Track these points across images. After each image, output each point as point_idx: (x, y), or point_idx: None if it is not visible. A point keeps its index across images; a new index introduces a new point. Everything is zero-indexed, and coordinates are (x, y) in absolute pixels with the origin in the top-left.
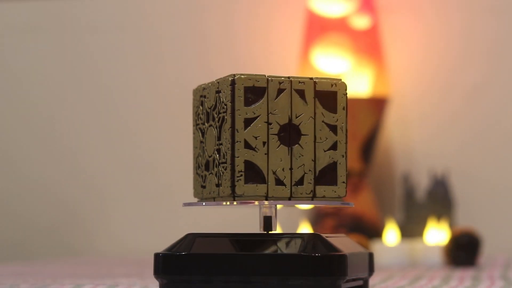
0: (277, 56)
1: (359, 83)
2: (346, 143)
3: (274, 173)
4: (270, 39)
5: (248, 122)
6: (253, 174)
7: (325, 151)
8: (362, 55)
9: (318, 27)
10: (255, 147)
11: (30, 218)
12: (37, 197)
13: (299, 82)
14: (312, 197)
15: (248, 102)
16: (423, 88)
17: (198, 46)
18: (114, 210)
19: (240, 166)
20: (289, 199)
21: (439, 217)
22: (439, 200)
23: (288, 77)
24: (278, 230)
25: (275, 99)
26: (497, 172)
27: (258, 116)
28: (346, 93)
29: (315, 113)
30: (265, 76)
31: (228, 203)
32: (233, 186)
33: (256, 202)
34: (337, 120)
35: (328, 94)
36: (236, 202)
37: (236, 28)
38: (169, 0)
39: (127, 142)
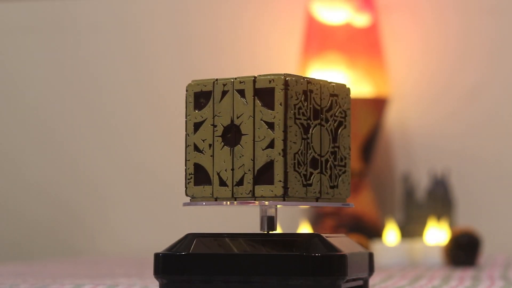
0: (278, 59)
1: (359, 83)
2: (284, 139)
3: (218, 174)
4: (270, 42)
5: (197, 126)
6: (202, 176)
7: (263, 149)
8: (362, 55)
9: (318, 32)
10: (203, 150)
11: (30, 218)
12: (38, 197)
13: (240, 82)
14: (252, 197)
15: (200, 107)
16: (423, 88)
17: (197, 47)
18: (114, 210)
19: (190, 169)
20: (235, 199)
21: (439, 217)
22: (439, 200)
23: (235, 78)
24: (278, 230)
25: (220, 101)
26: (497, 172)
27: (205, 120)
28: (286, 88)
29: (254, 112)
30: (213, 80)
31: (228, 203)
32: (185, 188)
33: (257, 202)
34: (274, 117)
35: (267, 91)
36: (236, 202)
37: (236, 27)
38: (169, 1)
39: (127, 142)
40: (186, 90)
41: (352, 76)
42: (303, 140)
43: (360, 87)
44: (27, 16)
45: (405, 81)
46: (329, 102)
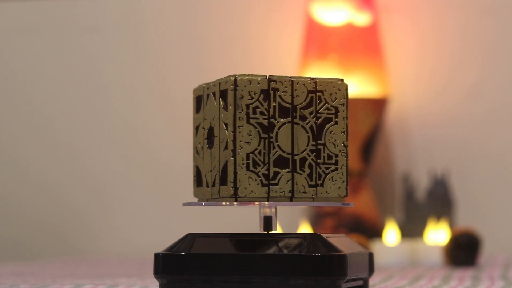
0: (278, 59)
1: (359, 84)
2: (234, 140)
3: (205, 176)
4: (270, 41)
5: (196, 129)
6: (200, 177)
7: (222, 151)
8: (361, 56)
9: (318, 32)
10: (199, 153)
11: (31, 218)
12: (39, 197)
13: (213, 85)
14: (219, 197)
15: (199, 110)
16: (423, 88)
17: (198, 46)
18: (115, 210)
19: (194, 171)
20: (215, 200)
21: (439, 217)
22: (439, 200)
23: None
24: (278, 230)
25: (206, 104)
26: (497, 172)
27: (200, 123)
28: (235, 89)
29: (219, 114)
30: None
31: (227, 203)
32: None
33: (256, 203)
34: (227, 118)
35: (225, 93)
36: (236, 203)
37: (236, 29)
38: (171, 1)
39: (128, 142)
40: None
41: (352, 76)
42: (262, 140)
43: (360, 87)
44: (27, 16)
45: (405, 81)
46: (307, 99)
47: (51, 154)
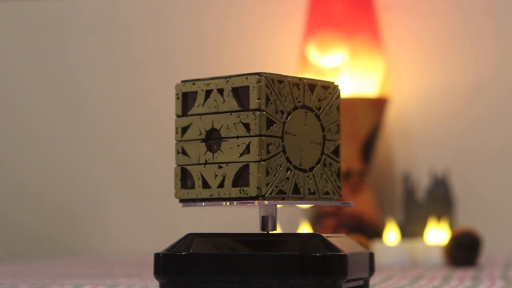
0: (278, 59)
1: (360, 84)
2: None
3: None
4: (270, 42)
5: None
6: None
7: None
8: (362, 55)
9: (318, 31)
10: None
11: (30, 220)
12: (39, 197)
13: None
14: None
15: None
16: (423, 88)
17: (198, 46)
18: (114, 210)
19: None
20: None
21: (439, 217)
22: (439, 200)
23: None
24: (278, 230)
25: None
26: (497, 172)
27: None
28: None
29: None
30: None
31: (228, 203)
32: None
33: (256, 202)
34: None
35: None
36: (236, 202)
37: (235, 28)
38: (170, 1)
39: (126, 142)
40: None
41: (353, 76)
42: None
43: (360, 87)
44: (27, 16)
45: (405, 81)
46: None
47: (51, 154)
